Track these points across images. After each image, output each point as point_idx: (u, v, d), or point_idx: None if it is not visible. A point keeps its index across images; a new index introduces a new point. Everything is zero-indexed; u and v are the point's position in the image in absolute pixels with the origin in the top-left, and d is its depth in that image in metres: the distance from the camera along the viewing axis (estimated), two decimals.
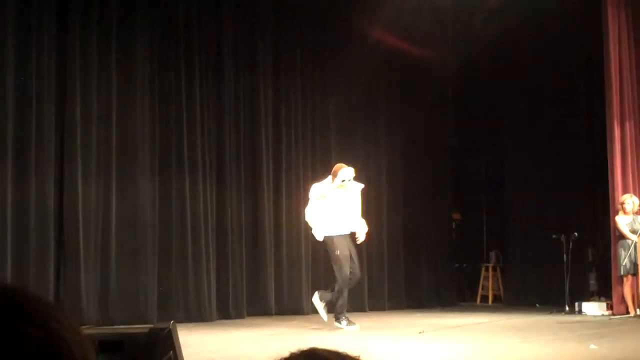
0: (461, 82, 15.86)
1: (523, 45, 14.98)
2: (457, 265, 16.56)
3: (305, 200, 12.94)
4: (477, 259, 16.71)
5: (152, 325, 3.04)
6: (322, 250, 13.18)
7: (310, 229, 10.44)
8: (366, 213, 13.94)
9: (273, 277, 12.40)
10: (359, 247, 13.54)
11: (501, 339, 8.95)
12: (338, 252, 10.01)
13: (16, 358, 0.86)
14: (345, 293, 10.10)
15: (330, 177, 10.30)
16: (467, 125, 16.51)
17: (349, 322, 10.09)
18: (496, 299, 16.08)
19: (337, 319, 10.11)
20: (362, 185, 10.53)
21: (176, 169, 11.31)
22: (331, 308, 10.15)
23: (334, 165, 10.47)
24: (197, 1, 11.84)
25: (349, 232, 10.21)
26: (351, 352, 1.22)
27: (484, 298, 16.18)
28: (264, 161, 12.48)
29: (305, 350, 1.19)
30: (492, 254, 16.40)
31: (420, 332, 9.51)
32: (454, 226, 16.59)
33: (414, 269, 14.78)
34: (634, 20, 12.72)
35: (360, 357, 1.21)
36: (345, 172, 10.17)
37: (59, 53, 10.29)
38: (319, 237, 10.24)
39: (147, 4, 11.23)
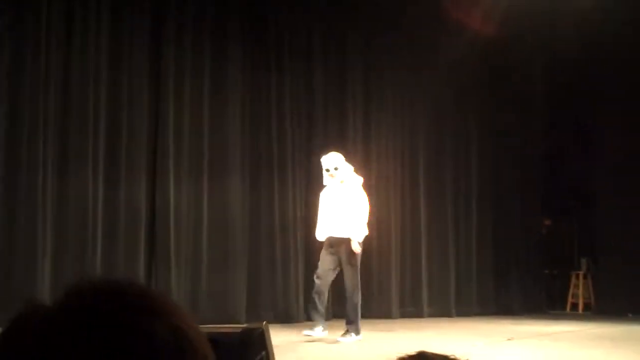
0: (552, 88, 15.62)
1: (617, 47, 14.68)
2: (546, 271, 16.32)
3: (395, 202, 12.97)
4: (568, 266, 16.42)
5: (245, 325, 3.10)
6: (410, 256, 13.18)
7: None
8: (454, 218, 13.94)
9: (361, 280, 12.39)
10: (445, 250, 13.46)
11: (591, 348, 8.81)
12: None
13: (148, 356, 0.88)
14: (315, 298, 9.07)
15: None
16: (558, 131, 16.25)
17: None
18: (587, 307, 15.78)
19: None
20: (360, 179, 9.27)
21: (265, 172, 11.46)
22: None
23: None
24: (287, 7, 11.96)
25: (337, 236, 8.97)
26: (459, 356, 1.22)
27: (574, 306, 15.89)
28: (351, 159, 12.49)
29: (414, 354, 1.18)
30: (583, 261, 16.10)
31: (508, 339, 9.42)
32: (544, 232, 16.35)
33: (503, 275, 14.62)
34: None
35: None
36: (325, 160, 9.16)
37: (151, 55, 10.53)
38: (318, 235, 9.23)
39: (240, 7, 11.40)
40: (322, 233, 9.08)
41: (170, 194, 10.42)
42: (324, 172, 9.04)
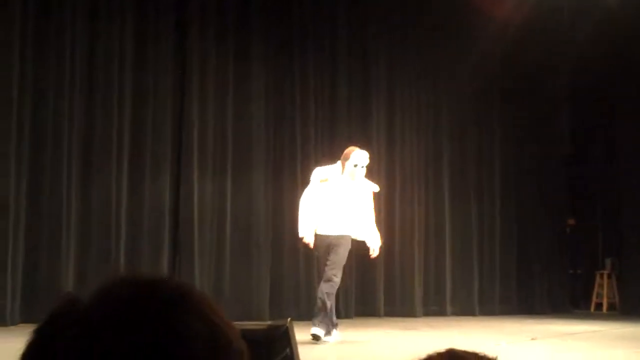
0: (577, 87, 15.54)
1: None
2: (571, 271, 16.24)
3: (419, 201, 12.94)
4: (592, 266, 16.33)
5: (270, 322, 3.12)
6: (434, 255, 13.17)
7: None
8: (478, 217, 13.91)
9: (383, 279, 12.42)
10: (469, 248, 13.44)
11: (614, 348, 8.77)
12: (317, 254, 8.67)
13: (185, 351, 0.88)
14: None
15: (339, 162, 8.63)
16: (583, 131, 16.17)
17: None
18: (611, 307, 15.70)
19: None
20: (376, 187, 8.84)
21: (288, 168, 11.49)
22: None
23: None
24: (311, 6, 11.98)
25: (339, 234, 8.49)
26: (489, 354, 1.23)
27: (599, 306, 15.81)
28: (375, 159, 12.50)
29: (444, 352, 1.18)
30: (608, 261, 16.01)
31: (532, 339, 9.39)
32: (568, 232, 16.27)
33: (527, 274, 14.56)
34: None
35: (497, 358, 1.21)
36: (359, 155, 8.49)
37: (176, 51, 10.59)
38: (302, 233, 8.39)
39: (264, 7, 11.43)
40: (316, 229, 8.41)
41: (194, 189, 10.48)
42: (352, 167, 8.44)
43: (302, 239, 8.39)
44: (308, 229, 8.33)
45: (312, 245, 8.40)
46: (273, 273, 11.12)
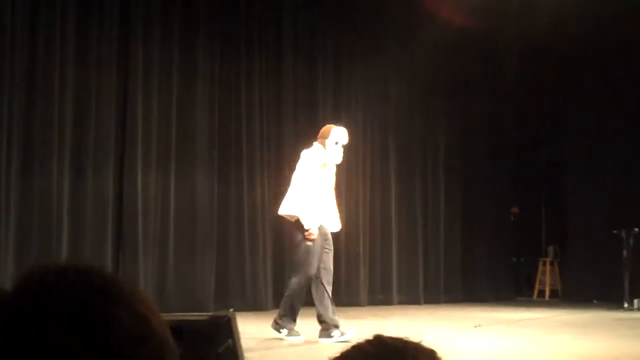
0: (524, 75, 15.70)
1: (588, 35, 14.76)
2: (514, 259, 16.44)
3: (364, 190, 12.96)
4: (535, 254, 16.55)
5: (211, 313, 3.09)
6: (380, 244, 13.22)
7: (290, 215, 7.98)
8: (423, 207, 14.00)
9: None
10: (414, 238, 13.58)
11: (557, 334, 8.89)
12: (311, 245, 7.70)
13: (109, 340, 0.88)
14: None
15: (316, 144, 8.00)
16: (529, 119, 16.33)
17: (292, 332, 7.90)
18: (553, 294, 15.92)
19: (279, 325, 7.90)
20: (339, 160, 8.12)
21: (235, 160, 11.42)
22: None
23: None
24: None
25: (333, 230, 8.11)
26: (418, 340, 1.22)
27: (541, 293, 16.03)
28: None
29: (371, 338, 1.18)
30: (551, 249, 16.23)
31: (476, 326, 9.48)
32: (512, 220, 16.46)
33: (471, 263, 14.71)
34: None
35: (422, 342, 1.21)
36: (340, 132, 7.96)
37: (120, 46, 10.42)
38: (310, 225, 7.70)
39: (210, 1, 11.33)
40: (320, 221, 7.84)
41: (137, 181, 10.35)
42: (334, 145, 7.88)
43: (308, 231, 7.67)
44: (314, 220, 7.72)
45: (314, 237, 7.70)
46: (218, 265, 11.05)
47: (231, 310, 3.07)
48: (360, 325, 9.58)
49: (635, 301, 12.85)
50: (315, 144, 7.99)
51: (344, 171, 12.68)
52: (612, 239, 13.62)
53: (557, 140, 16.13)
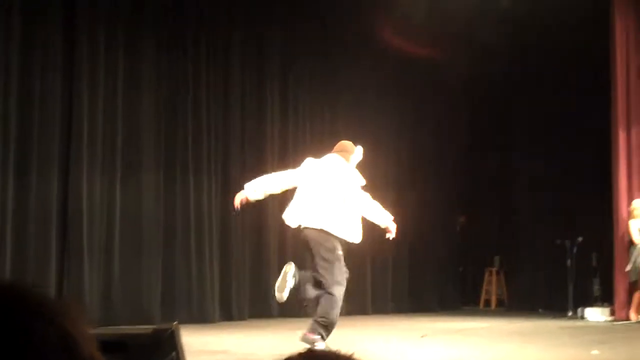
0: (472, 85, 15.83)
1: (533, 48, 14.98)
2: (461, 268, 16.56)
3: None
4: (482, 263, 16.69)
5: (155, 326, 3.06)
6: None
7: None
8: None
9: (276, 279, 12.38)
10: (362, 248, 13.59)
11: (502, 343, 8.96)
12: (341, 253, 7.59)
13: (30, 355, 0.88)
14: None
15: (341, 158, 7.88)
16: (477, 129, 16.47)
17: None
18: (500, 303, 16.07)
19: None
20: None
21: (181, 168, 11.33)
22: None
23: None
24: (207, 1, 11.86)
25: None
26: (350, 353, 1.21)
27: (487, 302, 16.16)
28: (268, 161, 12.49)
29: (303, 352, 1.18)
30: (497, 258, 16.38)
31: (422, 336, 9.51)
32: (459, 229, 16.58)
33: (418, 272, 14.78)
34: None
35: (354, 355, 1.21)
36: (361, 152, 8.07)
37: (65, 50, 10.28)
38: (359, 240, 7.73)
39: (156, 5, 11.24)
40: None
41: (83, 189, 10.18)
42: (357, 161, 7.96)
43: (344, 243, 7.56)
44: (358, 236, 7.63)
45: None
46: (165, 275, 10.95)
47: (175, 323, 3.05)
48: None
49: (579, 310, 13.02)
50: (343, 160, 7.83)
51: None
52: (557, 249, 13.80)
53: (504, 150, 16.30)
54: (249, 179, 12.07)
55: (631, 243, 12.02)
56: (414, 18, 13.19)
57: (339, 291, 7.40)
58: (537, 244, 15.00)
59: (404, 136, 14.70)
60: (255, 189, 7.83)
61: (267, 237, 12.36)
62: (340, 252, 7.46)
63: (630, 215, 12.15)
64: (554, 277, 14.43)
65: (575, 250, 13.50)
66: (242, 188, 11.09)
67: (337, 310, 7.39)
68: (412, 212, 14.70)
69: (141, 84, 10.97)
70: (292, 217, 7.63)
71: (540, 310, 14.06)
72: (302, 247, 7.71)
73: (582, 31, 13.84)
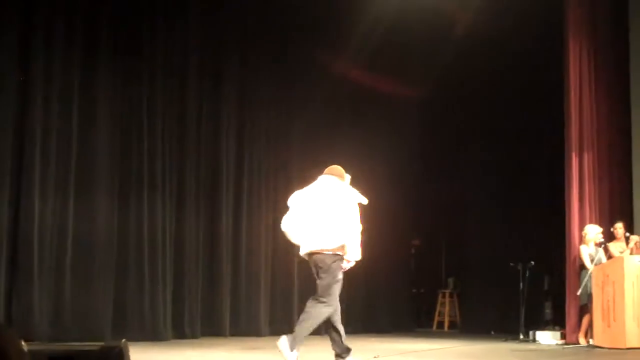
0: (424, 109, 15.96)
1: (486, 76, 15.14)
2: (414, 290, 16.62)
3: (259, 223, 12.93)
4: (435, 285, 16.77)
5: (103, 343, 3.03)
6: (282, 273, 13.18)
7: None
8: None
9: (229, 298, 12.35)
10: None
11: None
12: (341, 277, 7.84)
13: None
14: None
15: (335, 177, 8.20)
16: (430, 152, 16.58)
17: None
18: (453, 325, 16.14)
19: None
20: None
21: (135, 188, 11.21)
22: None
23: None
24: (164, 25, 11.80)
25: None
26: None
27: (441, 324, 16.23)
28: (224, 183, 12.45)
29: None
30: (450, 280, 16.48)
31: (375, 357, 9.52)
32: (413, 252, 16.65)
33: (372, 294, 14.80)
34: (595, 52, 12.90)
35: None
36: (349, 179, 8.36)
37: (19, 67, 10.16)
38: (359, 257, 7.91)
39: (111, 21, 11.14)
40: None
41: (35, 209, 10.05)
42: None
43: (349, 262, 7.75)
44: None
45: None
46: (117, 295, 10.81)
47: (123, 340, 3.03)
48: (260, 357, 9.55)
49: (531, 333, 13.11)
50: (338, 179, 8.12)
51: (245, 199, 12.71)
52: (510, 272, 13.91)
53: (457, 174, 16.43)
54: (203, 200, 12.12)
55: (582, 267, 12.14)
56: (368, 48, 13.30)
57: (327, 310, 7.73)
58: (490, 267, 15.10)
59: (357, 161, 14.71)
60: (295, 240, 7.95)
61: (220, 255, 12.30)
62: (341, 277, 7.71)
63: (581, 240, 12.29)
64: (506, 300, 14.54)
65: (527, 273, 13.63)
66: (196, 207, 11.21)
67: (313, 323, 7.81)
68: (367, 236, 14.72)
69: (96, 103, 10.85)
70: (302, 246, 7.79)
71: (492, 332, 14.15)
72: (313, 269, 7.80)
73: (536, 56, 14.05)
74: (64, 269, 10.31)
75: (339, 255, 7.58)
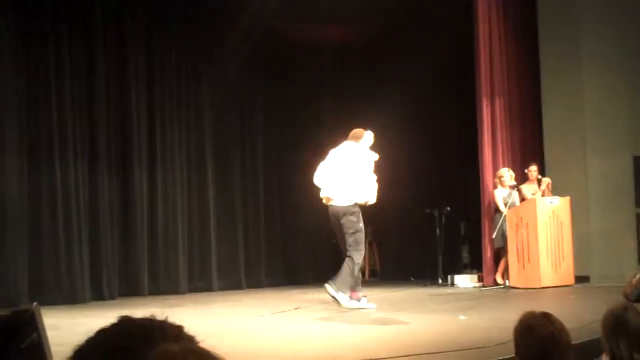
0: (336, 65, 15.90)
1: (397, 24, 15.13)
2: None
3: (174, 179, 12.84)
4: None
5: (13, 308, 2.96)
6: (199, 229, 13.13)
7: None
8: (242, 192, 14.02)
9: (146, 257, 12.25)
10: (234, 224, 13.62)
11: (375, 311, 9.10)
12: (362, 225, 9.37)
13: None
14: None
15: (352, 142, 9.46)
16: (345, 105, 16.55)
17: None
18: (373, 273, 16.31)
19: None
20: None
21: (45, 148, 10.97)
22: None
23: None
24: None
25: None
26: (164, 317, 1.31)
27: (361, 272, 16.37)
28: (135, 140, 12.27)
29: (115, 322, 1.31)
30: (369, 229, 16.59)
31: (296, 308, 9.57)
32: None
33: (291, 245, 14.85)
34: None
35: (168, 318, 1.31)
36: (371, 136, 9.56)
37: None
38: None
39: None
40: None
41: None
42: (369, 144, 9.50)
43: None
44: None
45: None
46: (32, 258, 10.61)
47: (35, 304, 2.95)
48: (182, 314, 9.49)
49: (449, 277, 13.34)
50: (355, 142, 9.42)
51: (159, 161, 12.58)
52: (426, 218, 14.10)
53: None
54: (115, 159, 11.93)
55: (497, 211, 12.37)
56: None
57: (359, 257, 9.25)
58: (407, 214, 15.25)
59: (270, 120, 14.70)
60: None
61: (134, 215, 12.16)
62: (361, 225, 9.31)
63: (495, 184, 12.50)
64: (424, 246, 14.75)
65: (444, 219, 13.83)
66: (108, 167, 11.04)
67: (358, 269, 9.35)
68: (283, 186, 14.74)
69: (3, 62, 10.53)
70: (323, 193, 9.45)
71: (412, 278, 14.34)
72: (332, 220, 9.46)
73: (446, 7, 14.03)
74: None
75: (356, 207, 9.18)
